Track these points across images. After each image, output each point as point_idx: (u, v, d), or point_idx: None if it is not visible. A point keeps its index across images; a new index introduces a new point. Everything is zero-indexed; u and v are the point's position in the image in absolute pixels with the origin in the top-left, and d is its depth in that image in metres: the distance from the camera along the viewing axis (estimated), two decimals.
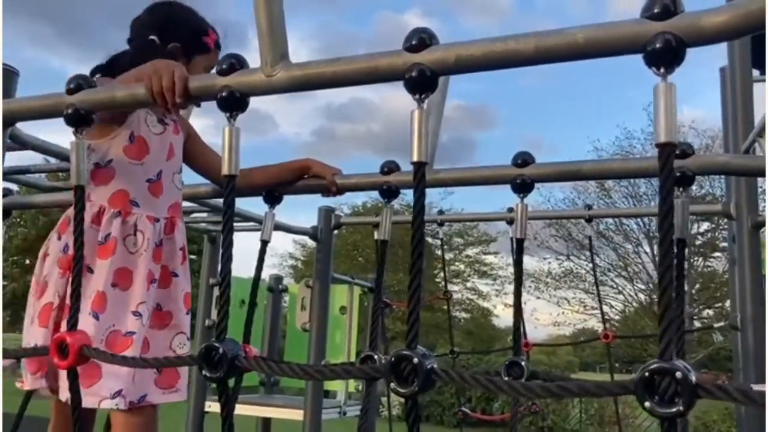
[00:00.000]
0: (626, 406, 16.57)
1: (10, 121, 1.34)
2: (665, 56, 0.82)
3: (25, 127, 2.32)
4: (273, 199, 1.83)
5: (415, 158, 0.96)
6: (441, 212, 4.25)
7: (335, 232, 4.31)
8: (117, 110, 1.61)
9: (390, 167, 1.69)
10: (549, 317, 21.34)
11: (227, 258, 1.07)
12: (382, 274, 1.56)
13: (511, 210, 4.17)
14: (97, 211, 1.69)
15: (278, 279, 5.29)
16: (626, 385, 0.79)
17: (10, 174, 2.54)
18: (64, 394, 1.59)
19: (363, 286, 4.72)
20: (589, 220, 3.81)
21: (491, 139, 41.58)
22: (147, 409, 1.68)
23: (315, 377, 1.32)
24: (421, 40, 0.96)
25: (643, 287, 18.36)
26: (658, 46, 0.82)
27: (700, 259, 17.16)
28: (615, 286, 18.44)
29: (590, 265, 17.08)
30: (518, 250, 1.53)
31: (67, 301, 1.58)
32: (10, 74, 1.83)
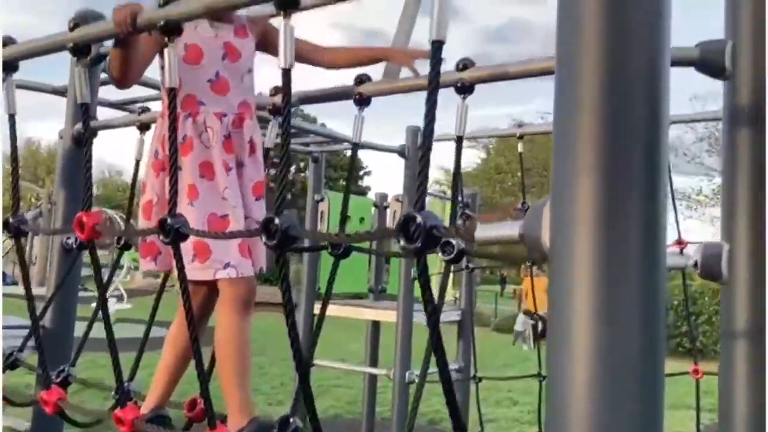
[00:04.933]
0: None
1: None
2: None
3: None
4: (362, 102, 2.02)
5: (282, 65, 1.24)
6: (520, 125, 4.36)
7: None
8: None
9: (465, 64, 1.76)
10: (702, 238, 20.28)
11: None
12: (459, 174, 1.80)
13: None
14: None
15: (383, 197, 5.66)
16: (390, 230, 1.03)
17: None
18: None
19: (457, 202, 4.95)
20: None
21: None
22: (250, 279, 1.97)
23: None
24: None
25: None
26: None
27: None
28: None
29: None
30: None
31: (166, 196, 1.85)
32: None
